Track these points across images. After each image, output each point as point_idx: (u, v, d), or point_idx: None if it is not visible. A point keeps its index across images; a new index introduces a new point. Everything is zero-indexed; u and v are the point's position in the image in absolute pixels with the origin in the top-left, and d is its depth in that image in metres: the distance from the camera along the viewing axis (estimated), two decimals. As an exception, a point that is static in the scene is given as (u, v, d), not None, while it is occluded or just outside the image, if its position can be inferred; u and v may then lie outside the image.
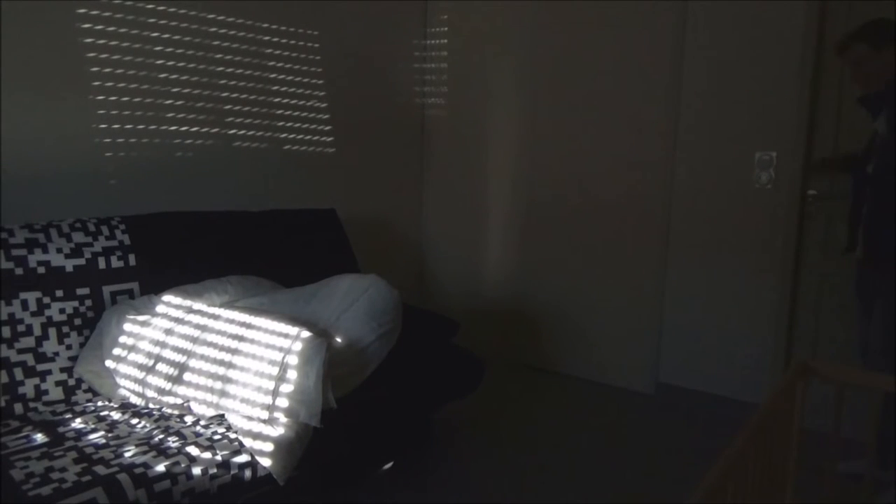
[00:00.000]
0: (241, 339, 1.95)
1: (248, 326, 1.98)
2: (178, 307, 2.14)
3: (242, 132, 2.99)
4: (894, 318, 2.10)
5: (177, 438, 1.75)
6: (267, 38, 3.01)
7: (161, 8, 2.61)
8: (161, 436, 1.76)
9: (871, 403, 1.62)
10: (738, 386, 2.99)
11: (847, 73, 2.66)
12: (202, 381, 1.90)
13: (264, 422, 1.82)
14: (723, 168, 2.96)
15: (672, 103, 3.06)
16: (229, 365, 1.90)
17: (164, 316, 2.09)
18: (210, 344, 1.96)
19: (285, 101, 3.14)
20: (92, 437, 1.73)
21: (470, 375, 2.56)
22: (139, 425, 1.83)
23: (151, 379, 1.95)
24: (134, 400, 2.00)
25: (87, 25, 2.41)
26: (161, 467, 1.60)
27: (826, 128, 2.74)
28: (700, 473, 2.33)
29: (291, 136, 3.19)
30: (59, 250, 2.10)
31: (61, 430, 1.77)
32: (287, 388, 1.83)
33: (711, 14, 2.94)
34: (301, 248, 2.81)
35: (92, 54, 2.44)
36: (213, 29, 2.81)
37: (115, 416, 1.90)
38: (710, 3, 2.93)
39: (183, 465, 1.63)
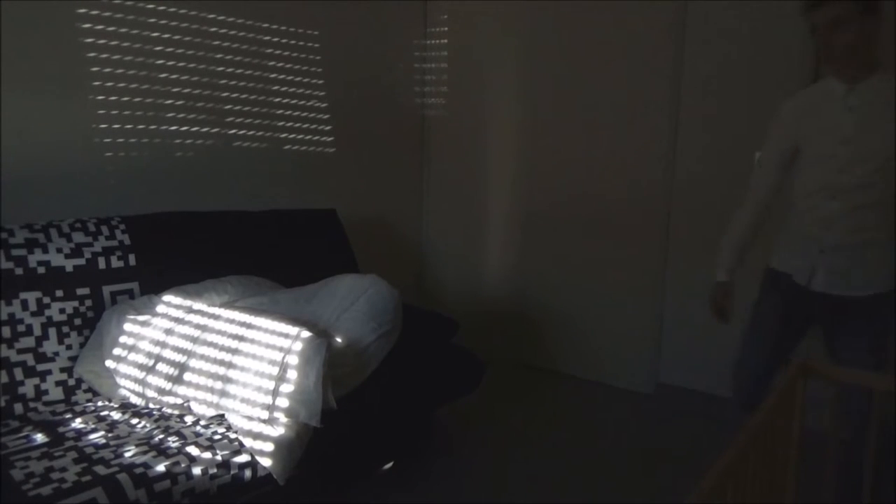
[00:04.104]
0: (241, 339, 1.95)
1: (248, 326, 1.98)
2: (178, 307, 2.13)
3: (242, 132, 2.99)
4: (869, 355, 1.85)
5: (177, 438, 1.75)
6: (267, 38, 3.01)
7: (161, 8, 2.61)
8: (161, 436, 1.76)
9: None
10: (738, 386, 2.99)
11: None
12: (202, 381, 1.90)
13: (264, 422, 1.82)
14: (723, 168, 2.96)
15: (672, 103, 3.06)
16: (229, 365, 1.90)
17: (164, 316, 2.09)
18: (210, 344, 1.97)
19: (285, 101, 3.13)
20: (92, 437, 1.74)
21: (470, 375, 2.56)
22: (139, 425, 1.83)
23: (151, 379, 1.95)
24: (134, 400, 2.00)
25: (87, 25, 2.41)
26: (161, 467, 1.60)
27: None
28: (700, 473, 2.33)
29: (291, 136, 3.19)
30: (59, 250, 2.10)
31: (61, 430, 1.78)
32: (287, 388, 1.83)
33: (711, 14, 2.93)
34: (301, 248, 2.81)
35: (92, 54, 2.44)
36: (213, 29, 2.80)
37: (115, 416, 1.90)
38: (711, 3, 2.93)
39: (183, 465, 1.63)
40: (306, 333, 1.92)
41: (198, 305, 2.14)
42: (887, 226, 1.81)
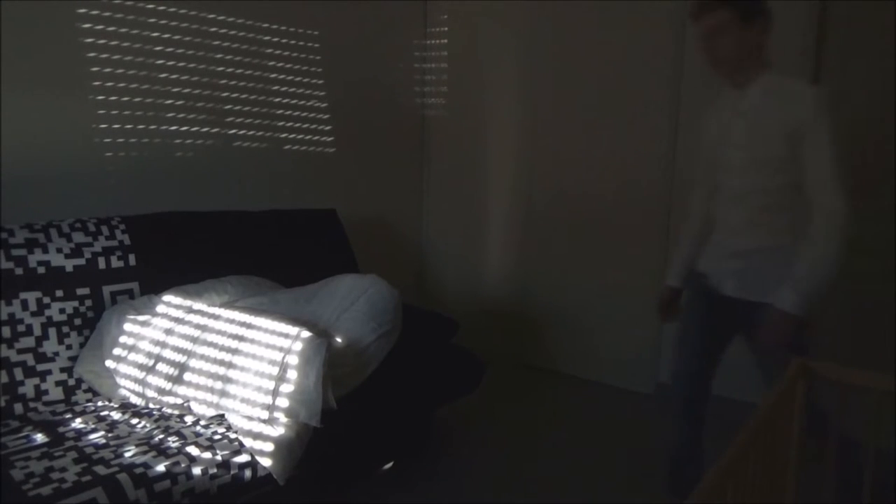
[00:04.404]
0: (241, 339, 1.95)
1: (249, 326, 1.98)
2: (178, 307, 2.14)
3: (242, 132, 2.99)
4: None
5: (177, 438, 1.75)
6: (267, 38, 3.01)
7: (161, 8, 2.61)
8: (161, 436, 1.76)
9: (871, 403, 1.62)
10: (738, 386, 2.99)
11: (850, 70, 2.67)
12: (202, 381, 1.90)
13: (264, 422, 1.82)
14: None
15: (672, 103, 3.06)
16: (229, 365, 1.90)
17: (164, 316, 2.09)
18: (210, 344, 1.96)
19: (285, 101, 3.14)
20: (92, 437, 1.74)
21: (470, 375, 2.56)
22: (139, 425, 1.83)
23: (151, 379, 1.95)
24: (134, 400, 2.00)
25: (87, 25, 2.41)
26: (161, 467, 1.60)
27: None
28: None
29: (291, 136, 3.19)
30: (59, 250, 2.10)
31: (61, 430, 1.78)
32: (287, 388, 1.83)
33: (711, 14, 2.93)
34: (301, 248, 2.81)
35: (92, 54, 2.44)
36: (213, 29, 2.81)
37: (115, 416, 1.90)
38: (710, 3, 2.92)
39: (183, 465, 1.63)
40: (306, 333, 1.92)
41: (198, 305, 2.14)
42: (792, 230, 1.78)
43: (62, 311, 2.07)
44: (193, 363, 1.94)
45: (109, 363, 2.02)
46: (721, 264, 1.93)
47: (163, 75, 2.66)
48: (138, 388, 1.97)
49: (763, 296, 1.81)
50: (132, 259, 2.27)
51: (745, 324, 1.91)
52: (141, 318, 2.09)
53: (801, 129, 1.69)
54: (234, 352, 1.92)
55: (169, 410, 1.95)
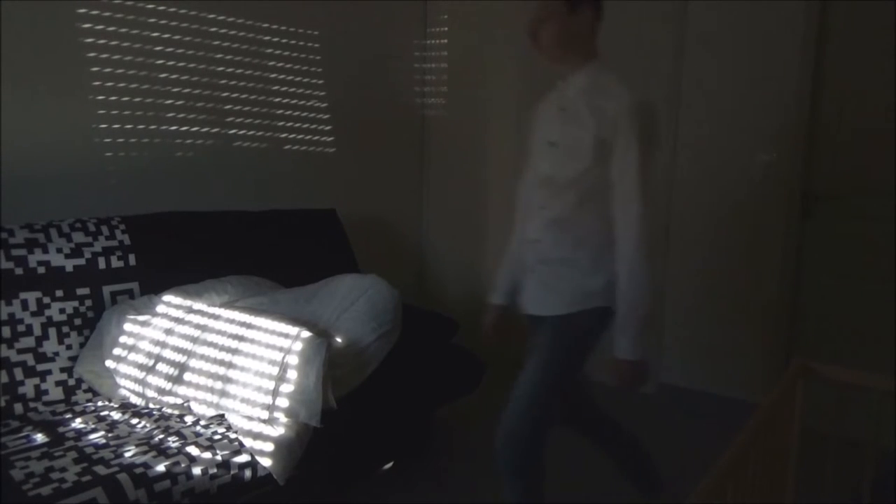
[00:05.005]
0: (241, 339, 1.95)
1: (249, 326, 1.98)
2: (178, 307, 2.13)
3: (242, 132, 2.99)
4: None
5: (177, 438, 1.75)
6: (267, 38, 3.01)
7: (161, 8, 2.61)
8: (161, 436, 1.76)
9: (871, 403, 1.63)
10: (739, 386, 2.99)
11: (851, 71, 2.67)
12: (202, 381, 1.90)
13: (264, 422, 1.82)
14: (723, 168, 2.96)
15: (672, 103, 3.06)
16: (229, 365, 1.90)
17: (165, 316, 2.09)
18: (210, 344, 1.97)
19: (285, 101, 3.13)
20: (92, 437, 1.73)
21: (470, 375, 2.56)
22: (139, 425, 1.83)
23: (151, 379, 1.95)
24: (134, 400, 2.00)
25: (87, 25, 2.41)
26: (161, 467, 1.60)
27: (826, 128, 2.74)
28: (700, 473, 2.32)
29: (291, 136, 3.19)
30: (59, 250, 2.10)
31: (61, 430, 1.77)
32: (287, 388, 1.83)
33: (712, 14, 2.93)
34: (301, 248, 2.81)
35: (92, 54, 2.44)
36: (213, 29, 2.80)
37: (115, 416, 1.90)
38: (711, 3, 2.93)
39: (183, 465, 1.63)
40: (306, 333, 1.92)
41: (198, 305, 2.14)
42: (583, 242, 1.70)
43: (62, 311, 2.07)
44: (193, 363, 1.94)
45: (109, 363, 2.02)
46: (523, 280, 1.82)
47: (163, 75, 2.66)
48: (138, 388, 1.97)
49: (545, 309, 1.74)
50: (132, 259, 2.27)
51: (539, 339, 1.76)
52: (141, 318, 2.09)
53: (611, 131, 1.58)
54: (234, 352, 1.92)
55: (169, 410, 1.95)
